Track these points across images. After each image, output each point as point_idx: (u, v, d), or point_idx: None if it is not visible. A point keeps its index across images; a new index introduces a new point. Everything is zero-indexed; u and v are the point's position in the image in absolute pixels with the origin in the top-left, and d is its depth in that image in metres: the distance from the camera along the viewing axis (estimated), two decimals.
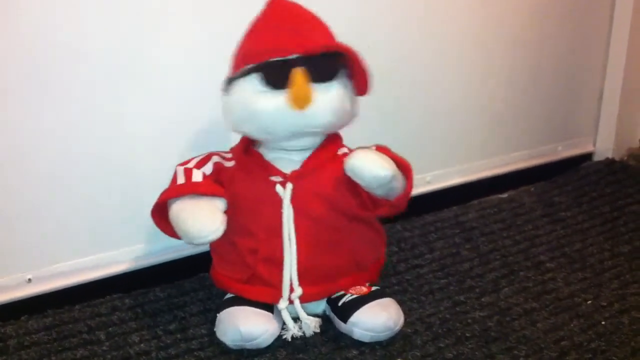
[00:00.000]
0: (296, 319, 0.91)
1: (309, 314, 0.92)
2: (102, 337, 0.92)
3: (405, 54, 1.21)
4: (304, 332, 0.91)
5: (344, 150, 0.95)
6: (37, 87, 0.91)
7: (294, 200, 0.90)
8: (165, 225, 0.92)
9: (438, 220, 1.26)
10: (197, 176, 0.91)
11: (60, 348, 0.89)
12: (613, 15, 1.47)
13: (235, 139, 0.96)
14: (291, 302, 0.90)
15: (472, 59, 1.31)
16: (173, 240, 0.93)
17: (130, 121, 0.99)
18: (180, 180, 0.91)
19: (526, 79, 1.40)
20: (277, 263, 0.90)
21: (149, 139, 1.01)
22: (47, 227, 0.97)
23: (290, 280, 0.90)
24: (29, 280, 0.97)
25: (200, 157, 0.95)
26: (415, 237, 1.19)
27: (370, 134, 1.04)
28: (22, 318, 0.95)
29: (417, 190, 1.26)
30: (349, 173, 0.87)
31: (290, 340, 0.90)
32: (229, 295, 0.94)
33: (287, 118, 0.86)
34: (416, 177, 0.93)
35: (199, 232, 0.86)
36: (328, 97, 0.87)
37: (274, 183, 0.90)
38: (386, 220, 1.03)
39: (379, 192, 0.89)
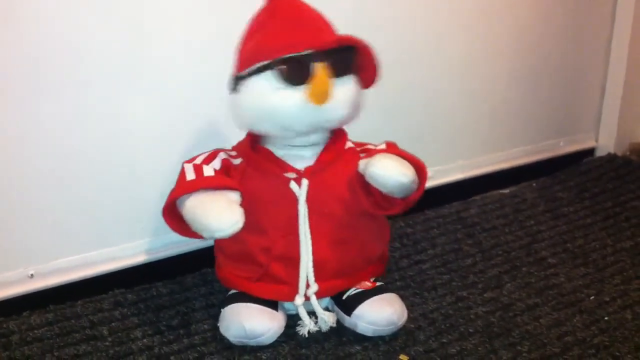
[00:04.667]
0: (310, 314, 0.91)
1: (310, 310, 0.91)
2: (105, 332, 0.92)
3: (406, 49, 1.21)
4: (320, 327, 0.91)
5: (350, 144, 0.95)
6: (37, 86, 0.90)
7: (308, 196, 0.89)
8: (178, 223, 0.89)
9: (440, 216, 1.26)
10: (208, 171, 0.89)
11: (62, 343, 0.89)
12: (615, 10, 1.47)
13: (236, 137, 0.96)
14: (307, 298, 0.90)
15: (473, 55, 1.30)
16: (175, 236, 0.92)
17: (130, 118, 0.99)
18: (190, 176, 0.88)
19: (528, 74, 1.40)
20: (293, 260, 0.89)
21: (150, 136, 1.01)
22: (49, 222, 0.97)
23: (306, 277, 0.89)
24: (31, 275, 0.97)
25: (207, 154, 0.92)
26: (417, 233, 1.19)
27: (372, 130, 1.04)
28: (25, 313, 0.95)
29: None
30: (370, 181, 0.87)
31: (307, 335, 0.90)
32: (233, 291, 0.94)
33: (306, 114, 0.84)
34: None
35: (219, 226, 0.83)
36: (344, 91, 0.86)
37: (288, 180, 0.89)
38: (388, 217, 1.02)
39: (398, 195, 0.88)
